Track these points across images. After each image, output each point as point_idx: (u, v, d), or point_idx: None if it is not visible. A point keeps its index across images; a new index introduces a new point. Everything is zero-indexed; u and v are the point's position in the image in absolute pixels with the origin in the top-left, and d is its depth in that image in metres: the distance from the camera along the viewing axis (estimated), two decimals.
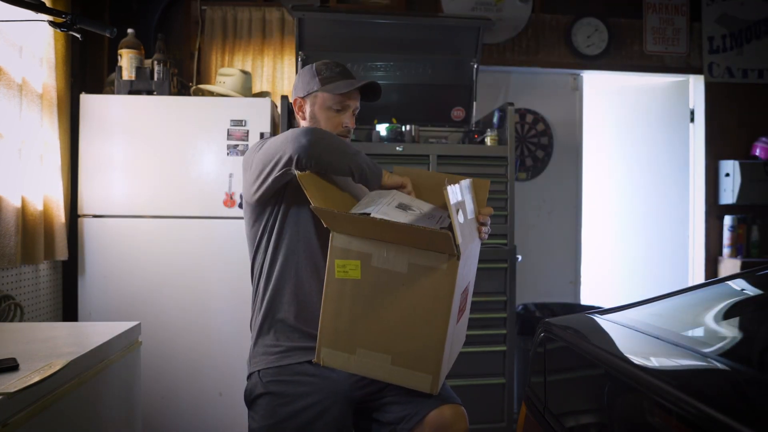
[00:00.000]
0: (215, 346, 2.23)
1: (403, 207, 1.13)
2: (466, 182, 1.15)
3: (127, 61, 2.28)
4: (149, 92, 2.28)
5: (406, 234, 1.02)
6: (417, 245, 1.03)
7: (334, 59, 1.41)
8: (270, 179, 1.18)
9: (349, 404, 1.24)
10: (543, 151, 3.25)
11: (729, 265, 3.08)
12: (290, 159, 1.11)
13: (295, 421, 1.17)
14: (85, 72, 2.62)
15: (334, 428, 1.20)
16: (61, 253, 2.16)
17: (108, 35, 1.51)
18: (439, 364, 1.07)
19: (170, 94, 2.31)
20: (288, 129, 2.26)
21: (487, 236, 1.21)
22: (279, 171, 1.15)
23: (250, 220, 1.32)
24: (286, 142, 1.12)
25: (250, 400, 1.25)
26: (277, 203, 1.27)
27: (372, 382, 1.20)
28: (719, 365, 0.79)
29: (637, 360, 0.83)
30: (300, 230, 1.26)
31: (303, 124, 1.38)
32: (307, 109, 1.36)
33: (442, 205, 1.19)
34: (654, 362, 0.84)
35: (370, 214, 1.03)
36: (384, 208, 1.08)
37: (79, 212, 2.22)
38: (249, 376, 1.28)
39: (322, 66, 1.35)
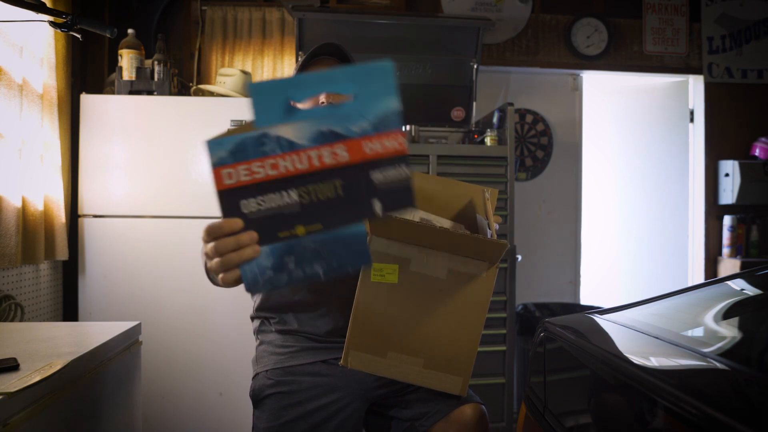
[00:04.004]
0: (215, 346, 2.23)
1: (425, 221, 1.14)
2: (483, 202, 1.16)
3: (127, 61, 2.28)
4: (149, 92, 2.28)
5: (456, 240, 1.01)
6: (459, 252, 1.03)
7: None
8: None
9: (365, 402, 1.23)
10: (543, 151, 3.25)
11: (728, 265, 3.08)
12: None
13: (305, 422, 1.16)
14: (86, 72, 2.62)
15: (347, 428, 1.18)
16: (62, 253, 2.16)
17: (108, 35, 1.51)
18: (470, 367, 1.08)
19: (170, 94, 2.31)
20: None
21: None
22: None
23: None
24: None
25: (258, 399, 1.23)
26: None
27: (396, 381, 1.18)
28: (719, 365, 0.79)
29: (636, 360, 0.83)
30: None
31: None
32: None
33: (453, 216, 1.21)
34: (654, 362, 0.84)
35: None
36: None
37: (80, 212, 2.22)
38: (255, 376, 1.26)
39: (304, 56, 1.29)
